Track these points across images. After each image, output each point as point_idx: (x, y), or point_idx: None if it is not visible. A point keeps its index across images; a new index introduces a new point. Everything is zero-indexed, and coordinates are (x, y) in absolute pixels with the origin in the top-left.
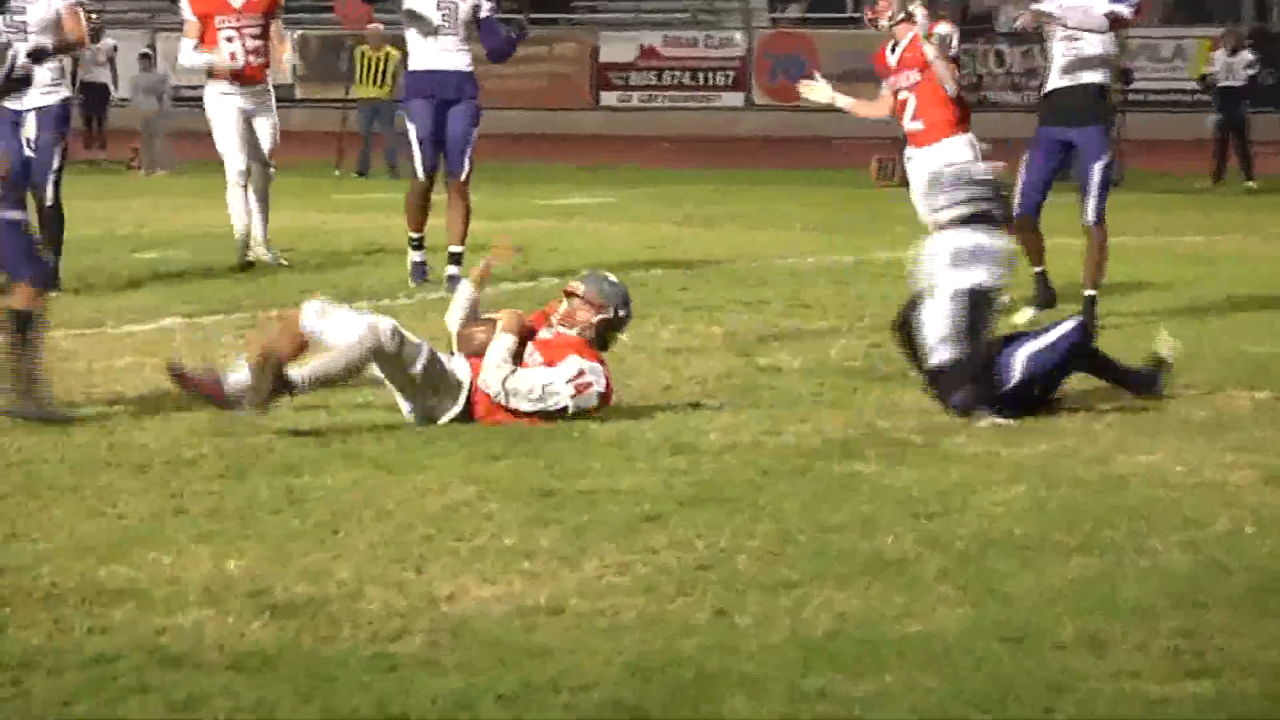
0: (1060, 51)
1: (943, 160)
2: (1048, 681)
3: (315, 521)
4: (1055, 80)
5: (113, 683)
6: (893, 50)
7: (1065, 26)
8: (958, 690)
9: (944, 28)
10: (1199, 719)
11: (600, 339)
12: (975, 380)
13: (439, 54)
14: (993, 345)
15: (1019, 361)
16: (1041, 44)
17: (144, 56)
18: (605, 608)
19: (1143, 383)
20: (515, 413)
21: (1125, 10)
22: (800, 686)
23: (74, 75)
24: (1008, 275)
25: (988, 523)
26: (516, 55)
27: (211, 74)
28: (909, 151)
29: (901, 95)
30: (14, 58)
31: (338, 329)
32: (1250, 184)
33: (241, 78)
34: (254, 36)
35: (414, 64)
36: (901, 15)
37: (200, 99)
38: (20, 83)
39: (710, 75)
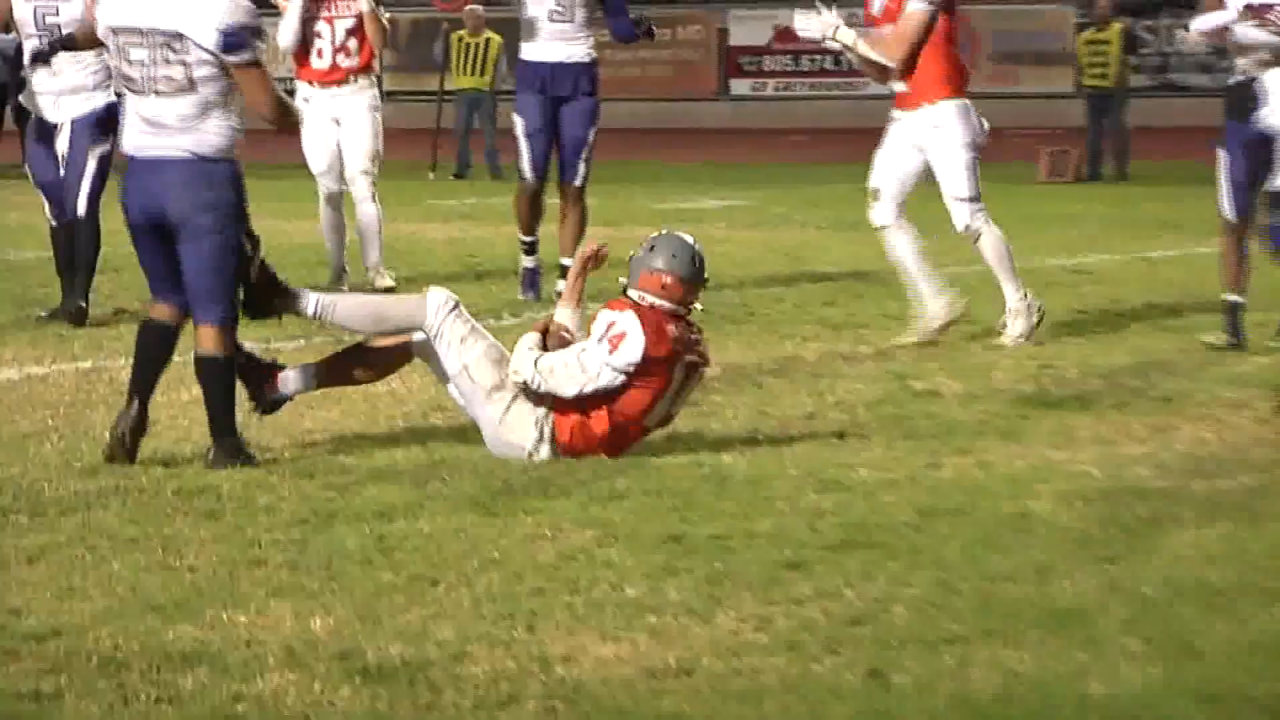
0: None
1: (931, 126)
2: None
3: (410, 574)
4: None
5: None
6: None
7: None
8: None
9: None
10: None
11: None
12: None
13: (552, 43)
14: None
15: None
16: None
17: None
18: (742, 668)
19: None
20: (597, 437)
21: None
22: None
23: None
24: None
25: (1179, 567)
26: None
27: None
28: (894, 113)
29: None
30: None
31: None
32: None
33: (330, 78)
34: (348, 31)
35: (524, 53)
36: None
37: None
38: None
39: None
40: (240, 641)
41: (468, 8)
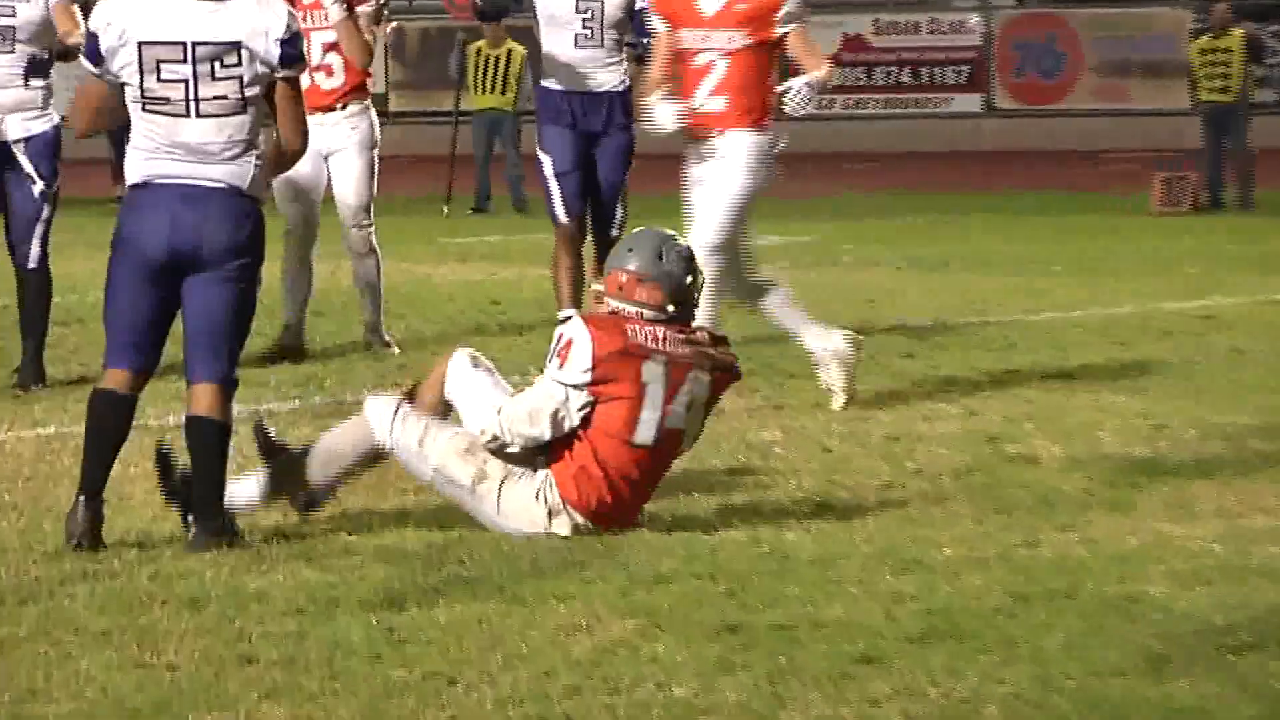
0: None
1: (735, 153)
2: None
3: (424, 671)
4: None
5: None
6: None
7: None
8: None
9: None
10: None
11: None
12: None
13: (579, 71)
14: None
15: None
16: None
17: None
18: None
19: None
20: (601, 477)
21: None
22: None
23: None
24: None
25: None
26: None
27: None
28: (698, 136)
29: (705, 59)
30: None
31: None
32: None
33: (310, 104)
34: (329, 46)
35: (548, 79)
36: None
37: None
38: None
39: (937, 72)
40: None
41: None
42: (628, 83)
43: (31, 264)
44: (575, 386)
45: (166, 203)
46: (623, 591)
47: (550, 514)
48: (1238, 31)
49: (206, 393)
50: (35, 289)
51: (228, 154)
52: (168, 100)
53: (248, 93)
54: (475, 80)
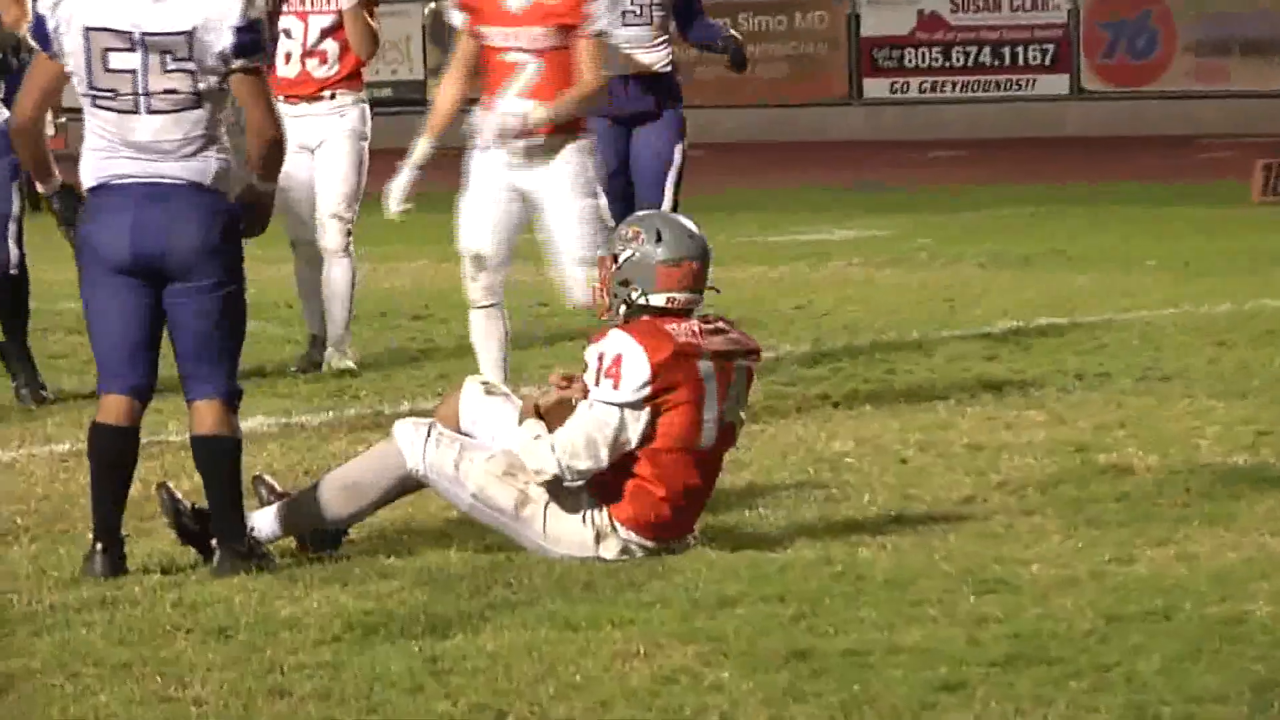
0: None
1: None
2: None
3: (471, 703)
4: None
5: None
6: None
7: None
8: None
9: None
10: None
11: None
12: None
13: (623, 51)
14: None
15: None
16: None
17: None
18: None
19: None
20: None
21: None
22: None
23: None
24: None
25: None
26: None
27: None
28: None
29: (515, 58)
30: None
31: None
32: None
33: (297, 91)
34: (325, 31)
35: None
36: None
37: None
38: None
39: (1021, 52)
40: None
41: None
42: (671, 63)
43: (13, 270)
44: (633, 406)
45: (127, 204)
46: (684, 616)
47: (598, 537)
48: None
49: (208, 409)
50: (13, 293)
51: (186, 150)
52: (115, 93)
53: (201, 86)
54: None
